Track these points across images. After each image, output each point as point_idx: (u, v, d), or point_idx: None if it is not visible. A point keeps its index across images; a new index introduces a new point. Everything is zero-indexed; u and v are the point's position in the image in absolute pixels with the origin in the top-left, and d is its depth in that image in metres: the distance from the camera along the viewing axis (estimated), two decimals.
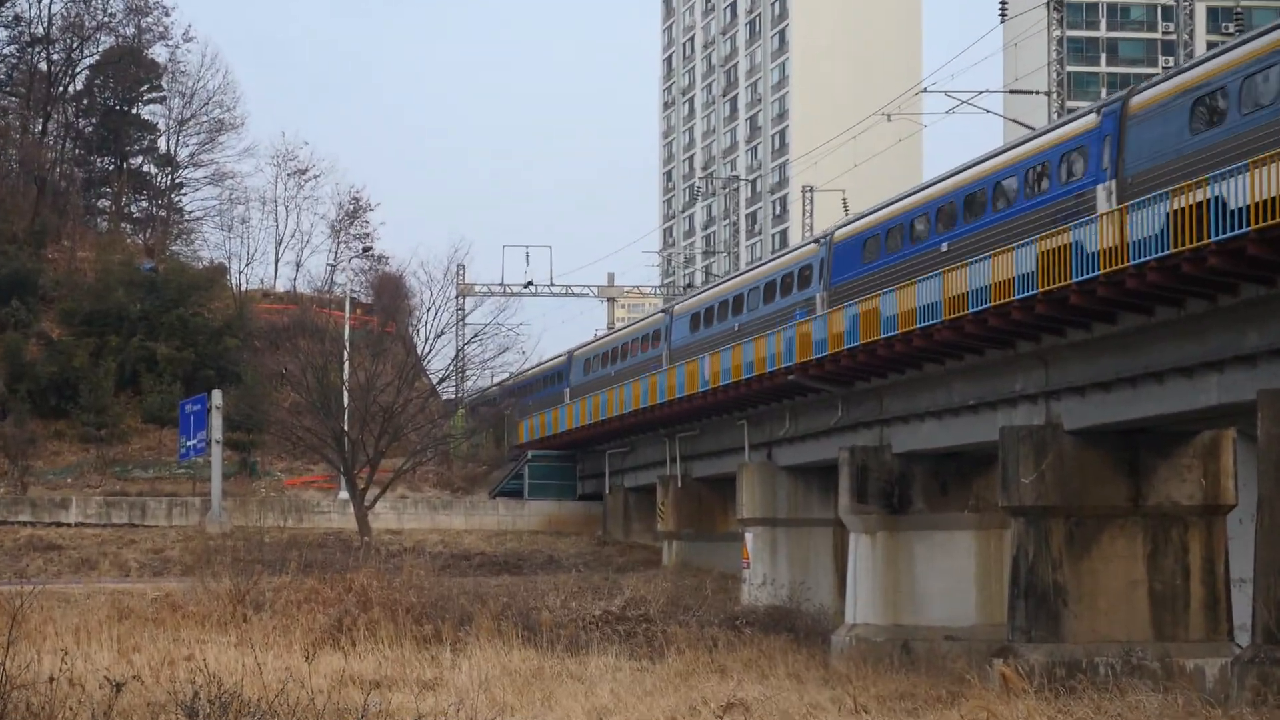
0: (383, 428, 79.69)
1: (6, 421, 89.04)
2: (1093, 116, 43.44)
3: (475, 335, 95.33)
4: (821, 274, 59.48)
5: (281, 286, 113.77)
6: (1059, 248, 39.46)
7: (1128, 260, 37.01)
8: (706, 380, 64.79)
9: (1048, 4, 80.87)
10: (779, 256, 68.29)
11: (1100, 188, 42.00)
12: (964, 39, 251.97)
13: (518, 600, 54.33)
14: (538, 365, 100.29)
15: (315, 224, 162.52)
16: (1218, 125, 37.83)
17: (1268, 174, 33.21)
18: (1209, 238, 34.68)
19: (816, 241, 61.94)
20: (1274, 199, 33.11)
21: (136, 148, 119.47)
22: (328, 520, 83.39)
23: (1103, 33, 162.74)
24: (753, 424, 65.32)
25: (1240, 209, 33.44)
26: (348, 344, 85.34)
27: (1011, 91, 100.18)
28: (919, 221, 51.65)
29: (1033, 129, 52.57)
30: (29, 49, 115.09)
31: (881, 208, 56.09)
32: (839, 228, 59.73)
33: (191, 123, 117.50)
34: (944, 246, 49.05)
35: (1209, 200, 34.33)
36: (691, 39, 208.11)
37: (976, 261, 43.47)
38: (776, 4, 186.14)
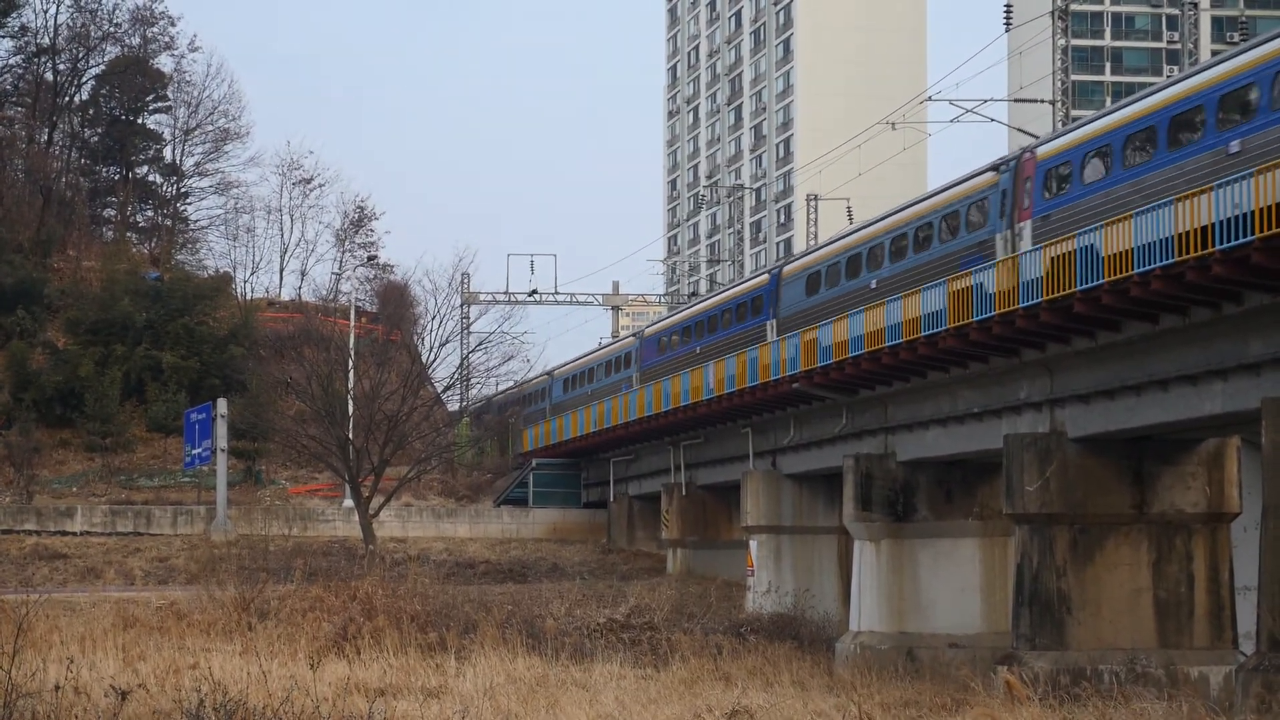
0: (387, 436, 79.70)
1: (12, 430, 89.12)
2: (765, 276, 67.16)
3: (480, 344, 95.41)
4: (635, 359, 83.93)
5: (286, 295, 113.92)
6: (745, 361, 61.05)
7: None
8: (711, 388, 64.92)
9: (1053, 13, 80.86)
10: (614, 343, 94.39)
11: (769, 323, 64.98)
12: (969, 48, 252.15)
13: (522, 608, 54.35)
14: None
15: (320, 233, 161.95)
16: (817, 294, 60.15)
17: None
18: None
19: (634, 335, 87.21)
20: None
21: (142, 157, 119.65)
22: (332, 528, 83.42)
23: (1108, 42, 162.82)
24: (757, 432, 65.36)
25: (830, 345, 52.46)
26: (353, 352, 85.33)
27: (1016, 100, 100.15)
28: (686, 330, 77.17)
29: (1036, 136, 54.46)
30: (35, 59, 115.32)
31: (668, 316, 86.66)
32: (649, 326, 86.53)
33: (197, 132, 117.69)
34: (698, 349, 73.30)
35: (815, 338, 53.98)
36: (696, 48, 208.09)
37: (680, 375, 69.10)
38: (781, 13, 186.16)
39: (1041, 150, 45.60)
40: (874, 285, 54.50)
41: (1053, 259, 40.18)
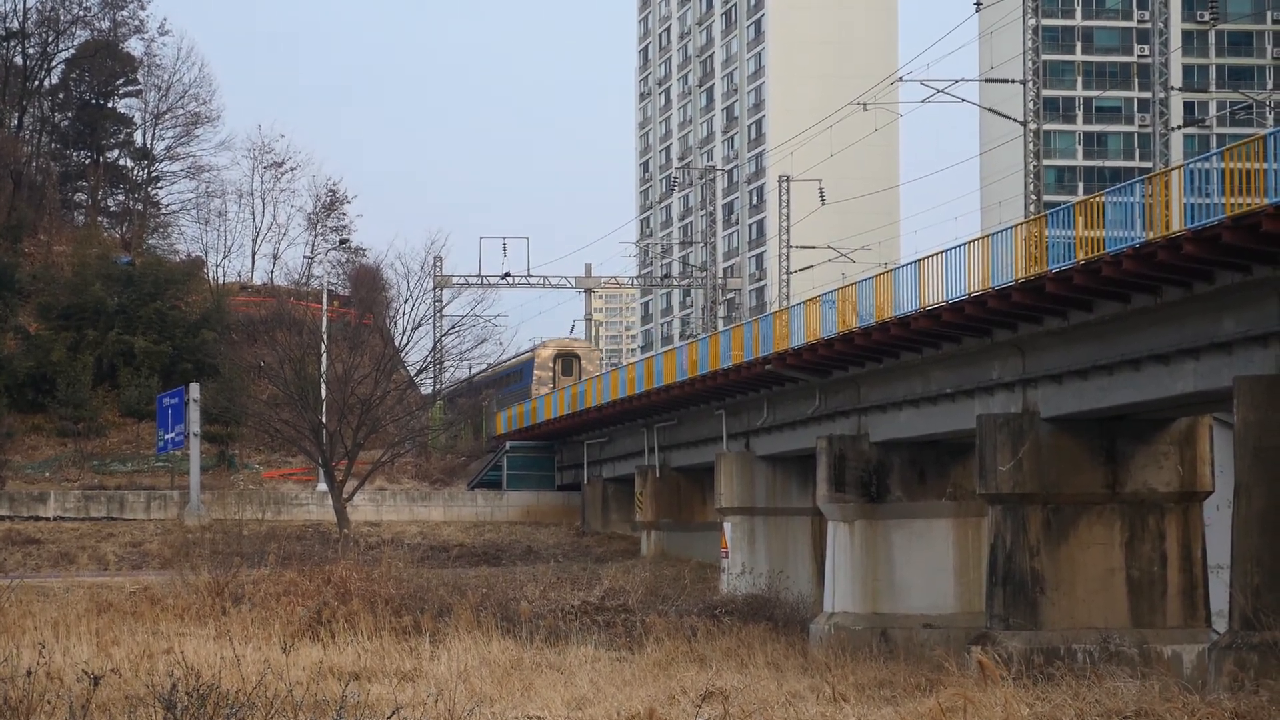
0: (361, 420, 79.65)
1: None
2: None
3: (453, 327, 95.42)
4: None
5: (259, 279, 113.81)
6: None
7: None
8: (684, 370, 64.87)
9: None
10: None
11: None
12: (940, 28, 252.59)
13: (496, 591, 54.38)
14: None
15: (292, 216, 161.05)
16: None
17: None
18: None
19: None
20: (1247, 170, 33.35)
21: (112, 141, 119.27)
22: (306, 512, 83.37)
23: (1078, 21, 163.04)
24: (730, 414, 65.32)
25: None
26: (325, 336, 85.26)
27: (987, 80, 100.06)
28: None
29: (1008, 117, 54.65)
30: (4, 43, 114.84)
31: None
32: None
33: (167, 116, 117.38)
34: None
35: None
36: (667, 30, 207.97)
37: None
38: None
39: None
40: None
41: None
